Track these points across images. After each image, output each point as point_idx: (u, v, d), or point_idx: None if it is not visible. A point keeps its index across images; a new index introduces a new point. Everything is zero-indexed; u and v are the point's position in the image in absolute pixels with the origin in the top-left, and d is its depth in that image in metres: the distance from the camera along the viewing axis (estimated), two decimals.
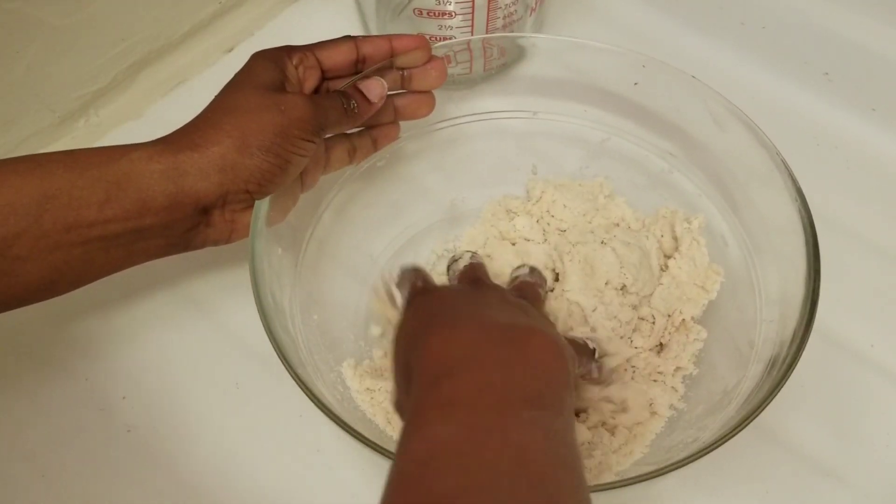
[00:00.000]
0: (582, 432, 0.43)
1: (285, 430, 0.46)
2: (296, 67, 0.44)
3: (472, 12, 0.54)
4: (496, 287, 0.43)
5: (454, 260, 0.48)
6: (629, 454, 0.42)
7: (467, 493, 0.26)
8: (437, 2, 0.53)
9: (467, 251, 0.49)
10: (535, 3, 0.57)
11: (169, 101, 0.60)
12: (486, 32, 0.55)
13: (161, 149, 0.40)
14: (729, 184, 0.47)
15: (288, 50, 0.45)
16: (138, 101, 0.59)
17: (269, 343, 0.38)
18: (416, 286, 0.41)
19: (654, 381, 0.45)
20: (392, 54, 0.46)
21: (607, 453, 0.42)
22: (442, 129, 0.52)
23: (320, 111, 0.42)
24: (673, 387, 0.45)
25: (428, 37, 0.48)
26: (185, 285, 0.51)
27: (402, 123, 0.49)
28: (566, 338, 0.42)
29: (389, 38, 0.46)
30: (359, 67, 0.47)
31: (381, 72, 0.46)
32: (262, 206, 0.42)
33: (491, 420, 0.29)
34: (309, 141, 0.42)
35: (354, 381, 0.44)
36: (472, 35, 0.55)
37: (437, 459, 0.28)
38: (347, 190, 0.50)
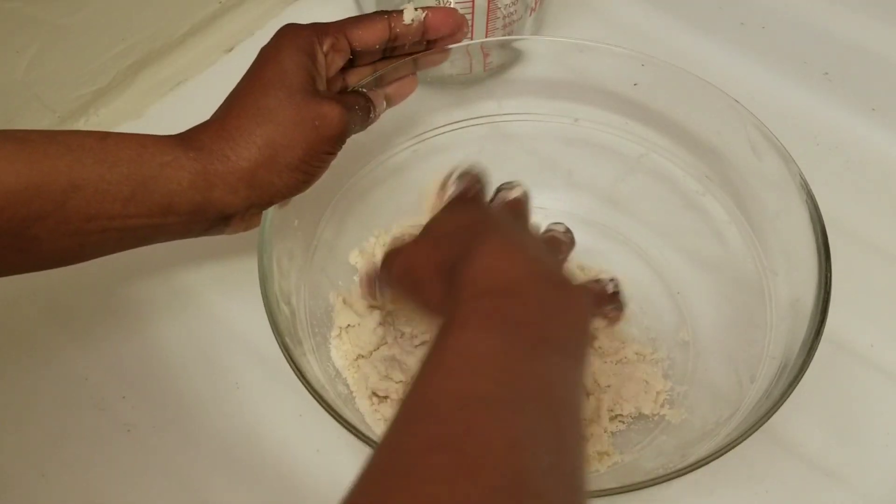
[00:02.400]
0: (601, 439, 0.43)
1: (285, 430, 0.46)
2: (325, 55, 0.43)
3: (472, 12, 0.54)
4: (533, 231, 0.42)
5: (501, 189, 0.43)
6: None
7: (496, 403, 0.28)
8: (436, 2, 0.53)
9: (519, 183, 0.44)
10: (535, 4, 0.57)
11: (169, 101, 0.60)
12: (486, 32, 0.55)
13: (193, 156, 0.39)
14: (756, 214, 0.47)
15: (320, 33, 0.43)
16: (138, 100, 0.59)
17: (269, 344, 0.38)
18: (471, 191, 0.42)
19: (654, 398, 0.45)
20: (425, 31, 0.46)
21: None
22: (478, 125, 0.52)
23: (349, 124, 0.42)
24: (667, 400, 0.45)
25: None
26: (188, 285, 0.51)
27: (434, 118, 0.49)
28: (589, 282, 0.43)
29: (424, 11, 0.45)
30: (388, 45, 0.46)
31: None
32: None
33: (525, 350, 0.30)
34: (333, 154, 0.42)
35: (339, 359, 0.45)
36: (471, 36, 0.55)
37: (474, 363, 0.29)
38: (370, 178, 0.50)
